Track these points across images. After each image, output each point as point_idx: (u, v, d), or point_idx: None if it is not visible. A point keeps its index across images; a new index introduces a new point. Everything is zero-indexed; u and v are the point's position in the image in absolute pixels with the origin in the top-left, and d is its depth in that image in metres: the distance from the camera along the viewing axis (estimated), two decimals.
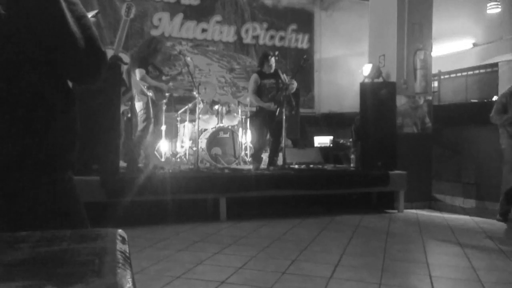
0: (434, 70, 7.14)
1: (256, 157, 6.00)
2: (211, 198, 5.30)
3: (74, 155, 1.14)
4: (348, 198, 6.30)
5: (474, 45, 8.71)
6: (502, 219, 5.07)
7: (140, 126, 5.35)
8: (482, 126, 5.81)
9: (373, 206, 6.17)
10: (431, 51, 6.52)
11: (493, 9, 7.96)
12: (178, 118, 7.07)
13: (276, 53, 6.12)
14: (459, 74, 8.21)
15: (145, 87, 5.25)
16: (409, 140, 6.27)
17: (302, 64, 6.13)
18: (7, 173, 1.02)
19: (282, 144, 5.89)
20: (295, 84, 5.88)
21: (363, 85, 6.23)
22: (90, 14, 1.15)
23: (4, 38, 1.00)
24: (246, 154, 7.14)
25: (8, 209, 1.03)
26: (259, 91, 5.87)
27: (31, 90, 1.04)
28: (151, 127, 5.39)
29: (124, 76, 5.61)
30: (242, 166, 6.56)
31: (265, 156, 6.26)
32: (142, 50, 5.52)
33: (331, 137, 8.24)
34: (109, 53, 7.38)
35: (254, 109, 6.29)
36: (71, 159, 1.13)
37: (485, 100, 6.35)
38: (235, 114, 7.24)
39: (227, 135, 6.71)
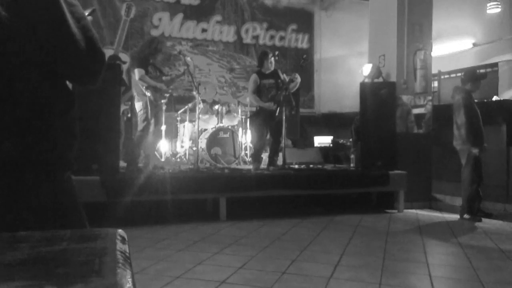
0: (434, 70, 7.14)
1: (256, 157, 5.99)
2: (211, 198, 5.30)
3: (73, 155, 1.14)
4: (348, 198, 6.30)
5: (474, 45, 8.71)
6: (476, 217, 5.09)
7: (140, 126, 5.36)
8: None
9: (373, 206, 6.17)
10: (431, 51, 6.52)
11: (493, 9, 7.96)
12: (178, 118, 7.07)
13: (276, 53, 6.12)
14: (459, 74, 8.20)
15: (144, 87, 5.25)
16: (409, 140, 6.27)
17: (301, 64, 6.12)
18: (6, 173, 1.02)
19: (282, 144, 5.89)
20: (298, 79, 5.86)
21: (363, 85, 6.23)
22: (86, 12, 1.14)
23: (5, 38, 1.00)
24: (246, 154, 7.14)
25: (8, 209, 1.03)
26: (259, 91, 5.86)
27: (31, 91, 1.04)
28: (151, 127, 5.40)
29: (124, 75, 5.61)
30: (242, 166, 6.56)
31: (265, 156, 6.26)
32: (142, 50, 5.53)
33: (331, 137, 8.24)
34: (109, 53, 7.37)
35: (254, 109, 6.29)
36: (70, 159, 1.13)
37: (485, 100, 6.34)
38: (235, 114, 7.24)
39: (227, 135, 6.71)
